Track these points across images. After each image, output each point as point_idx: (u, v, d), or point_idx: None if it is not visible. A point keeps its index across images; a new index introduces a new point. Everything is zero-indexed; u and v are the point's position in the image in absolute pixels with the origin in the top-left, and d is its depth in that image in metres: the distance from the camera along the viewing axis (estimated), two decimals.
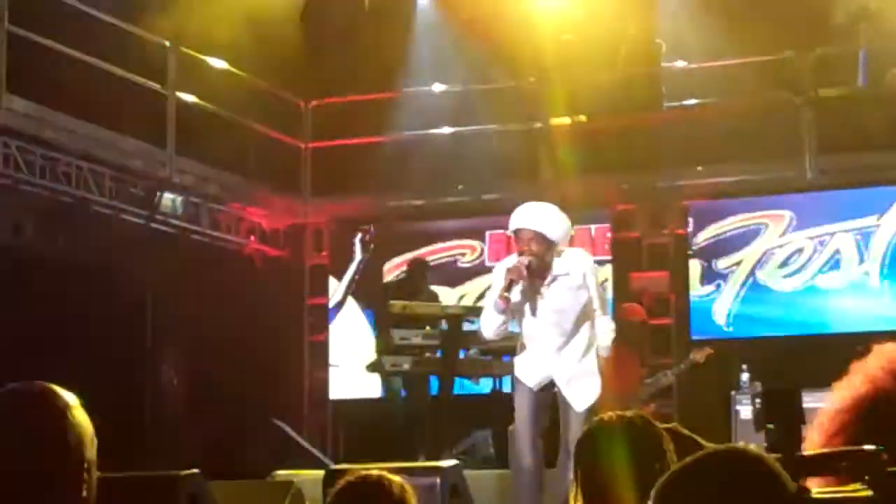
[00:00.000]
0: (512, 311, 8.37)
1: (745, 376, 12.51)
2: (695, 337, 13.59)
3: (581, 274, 8.33)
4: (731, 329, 13.86)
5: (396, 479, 4.17)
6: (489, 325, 8.49)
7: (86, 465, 2.73)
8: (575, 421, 8.23)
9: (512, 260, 8.30)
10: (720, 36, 14.89)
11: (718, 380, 13.04)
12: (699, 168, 14.35)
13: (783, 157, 13.95)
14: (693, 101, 15.07)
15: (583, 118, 14.97)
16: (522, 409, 8.35)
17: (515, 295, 8.27)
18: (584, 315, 8.37)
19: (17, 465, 2.67)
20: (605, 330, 8.46)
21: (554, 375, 8.34)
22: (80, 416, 2.76)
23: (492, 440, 11.57)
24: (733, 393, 12.40)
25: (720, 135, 14.74)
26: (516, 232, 8.30)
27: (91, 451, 2.75)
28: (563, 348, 8.34)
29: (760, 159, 13.97)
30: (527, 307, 8.36)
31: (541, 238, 8.19)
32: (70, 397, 2.77)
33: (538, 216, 8.30)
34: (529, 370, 8.44)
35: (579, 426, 8.07)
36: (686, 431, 4.39)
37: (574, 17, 15.04)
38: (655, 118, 14.77)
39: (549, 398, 8.45)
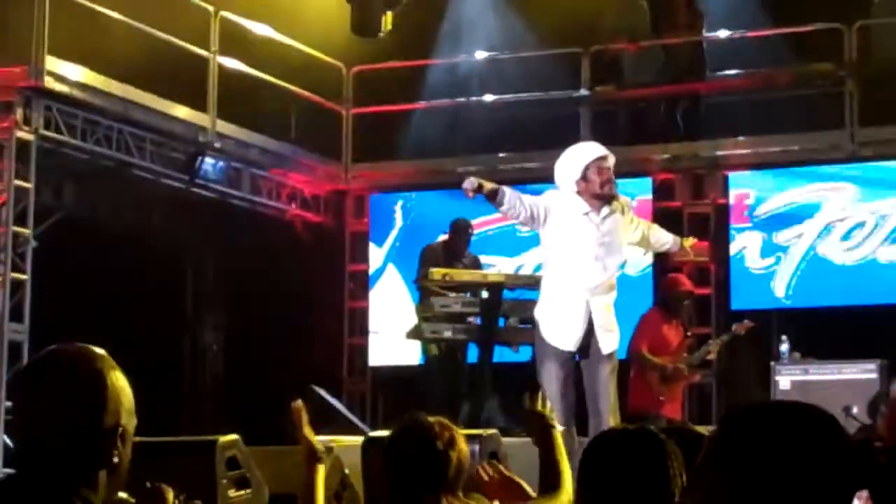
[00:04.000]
0: (556, 241, 8.58)
1: (784, 347, 12.45)
2: (736, 308, 13.49)
3: (631, 213, 8.91)
4: (789, 302, 13.76)
5: (447, 424, 4.20)
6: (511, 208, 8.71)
7: (121, 431, 2.69)
8: (599, 371, 8.38)
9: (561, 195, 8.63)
10: (760, 6, 14.83)
11: (758, 351, 12.98)
12: (740, 138, 14.28)
13: (825, 128, 13.88)
14: (735, 71, 15.00)
15: (625, 86, 14.92)
16: (552, 382, 8.25)
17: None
18: (623, 257, 8.95)
19: (50, 423, 2.65)
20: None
21: (594, 314, 8.44)
22: (119, 379, 2.72)
23: (500, 409, 11.51)
24: (773, 363, 12.34)
25: (762, 105, 14.68)
26: (603, 159, 8.63)
27: (128, 417, 2.71)
28: (606, 288, 8.55)
29: (802, 130, 13.90)
30: (577, 231, 8.52)
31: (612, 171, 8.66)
32: (109, 360, 2.75)
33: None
34: (565, 325, 8.44)
35: (606, 380, 8.23)
36: (695, 429, 4.37)
37: None
38: (698, 87, 14.69)
39: (575, 364, 8.49)
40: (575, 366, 8.48)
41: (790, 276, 13.79)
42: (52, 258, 11.70)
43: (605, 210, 8.55)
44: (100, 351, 2.75)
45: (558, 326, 8.46)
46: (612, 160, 8.66)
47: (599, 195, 8.52)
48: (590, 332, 8.39)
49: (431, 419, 4.30)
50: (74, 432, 2.65)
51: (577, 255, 8.49)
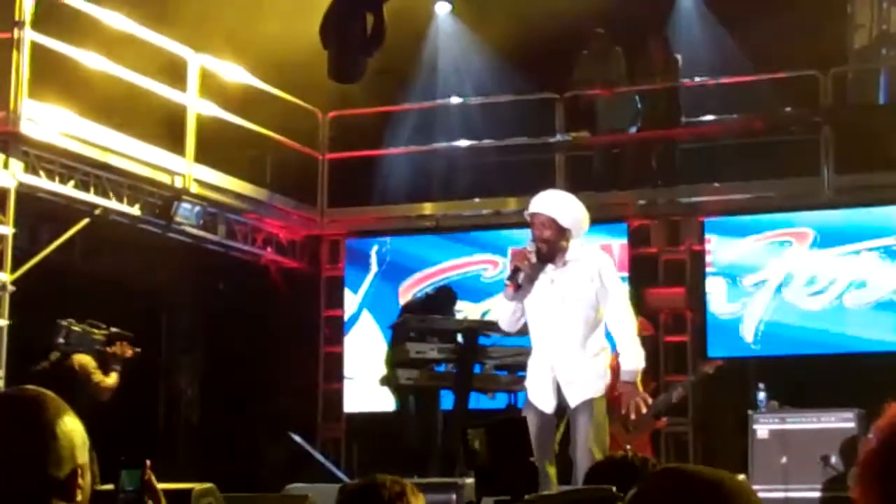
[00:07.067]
0: (521, 299, 8.30)
1: (761, 395, 12.43)
2: (712, 355, 13.53)
3: (596, 268, 8.23)
4: (758, 347, 13.79)
5: (401, 481, 4.29)
6: (502, 315, 8.50)
7: (79, 470, 2.74)
8: (577, 422, 8.16)
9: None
10: (737, 52, 14.94)
11: (735, 399, 12.99)
12: (716, 184, 14.35)
13: (801, 175, 13.94)
14: (711, 118, 15.08)
15: (600, 132, 14.97)
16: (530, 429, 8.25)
17: (525, 283, 8.22)
18: (593, 312, 8.21)
19: (8, 470, 2.67)
20: (632, 355, 8.32)
21: (556, 371, 8.22)
22: (71, 421, 2.76)
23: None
24: (750, 412, 12.32)
25: (738, 151, 14.76)
26: (531, 216, 8.27)
27: (83, 455, 2.76)
28: (567, 343, 8.19)
29: (778, 176, 13.97)
30: (535, 293, 8.28)
31: (553, 223, 8.16)
32: (61, 403, 2.78)
33: (552, 201, 8.30)
34: (537, 389, 8.34)
35: (582, 429, 8.05)
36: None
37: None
38: (673, 133, 14.76)
39: (558, 420, 8.37)
40: (559, 417, 8.39)
41: (757, 322, 13.82)
42: (26, 301, 11.65)
43: (560, 262, 8.23)
44: (49, 396, 2.78)
45: (532, 386, 8.40)
46: (539, 216, 8.19)
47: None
48: (558, 389, 8.28)
49: (387, 476, 4.42)
50: (33, 477, 2.67)
51: (535, 315, 8.34)
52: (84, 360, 10.38)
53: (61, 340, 10.33)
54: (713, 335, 13.90)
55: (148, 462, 3.23)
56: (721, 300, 13.96)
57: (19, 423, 2.72)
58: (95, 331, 10.52)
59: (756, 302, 13.83)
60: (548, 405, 8.23)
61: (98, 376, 10.34)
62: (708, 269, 14.04)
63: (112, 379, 10.41)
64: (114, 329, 10.62)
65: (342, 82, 13.98)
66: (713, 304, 13.97)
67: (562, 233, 8.21)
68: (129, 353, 10.55)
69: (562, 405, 8.22)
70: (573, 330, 8.21)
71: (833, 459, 11.45)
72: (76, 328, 10.43)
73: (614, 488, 4.02)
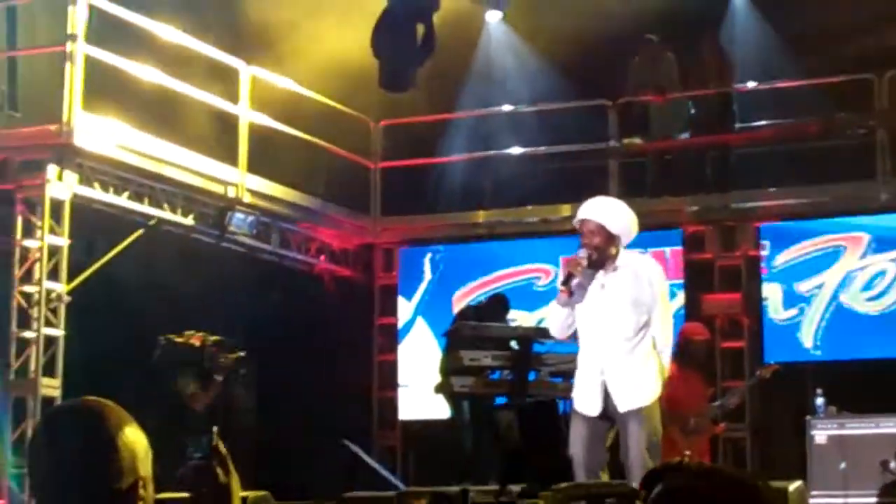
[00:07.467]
0: (574, 306, 8.27)
1: (819, 400, 12.33)
2: (770, 360, 13.44)
3: (646, 275, 8.23)
4: (818, 353, 13.70)
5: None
6: (553, 321, 8.45)
7: (141, 482, 2.73)
8: (628, 428, 8.12)
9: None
10: (791, 55, 14.85)
11: (793, 404, 12.90)
12: (771, 189, 14.25)
13: (856, 179, 13.84)
14: (765, 122, 14.99)
15: (653, 138, 14.92)
16: (576, 441, 8.20)
17: (576, 289, 8.19)
18: (644, 317, 8.18)
19: (71, 483, 2.67)
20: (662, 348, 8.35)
21: (605, 376, 8.19)
22: (133, 432, 2.76)
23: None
24: (808, 418, 12.23)
25: (791, 155, 14.65)
26: (580, 223, 8.24)
27: (146, 466, 2.75)
28: (617, 347, 8.14)
29: (833, 180, 13.87)
30: (586, 300, 8.26)
31: (603, 230, 8.14)
32: (123, 414, 2.77)
33: (601, 208, 8.28)
34: (583, 395, 8.30)
35: (635, 435, 8.00)
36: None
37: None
38: (727, 138, 14.67)
39: (607, 427, 8.32)
40: (608, 425, 8.34)
41: (815, 326, 13.74)
42: (83, 312, 11.72)
43: (611, 267, 8.21)
44: (110, 407, 2.76)
45: (579, 391, 8.37)
46: (588, 223, 8.14)
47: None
48: (607, 395, 8.23)
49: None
50: (96, 489, 2.66)
51: (586, 319, 8.29)
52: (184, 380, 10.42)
53: (160, 354, 10.36)
54: (770, 340, 13.82)
55: (215, 429, 3.23)
56: (778, 305, 13.88)
57: (81, 435, 2.72)
58: (195, 342, 10.53)
59: (814, 307, 13.75)
60: (594, 409, 8.18)
61: (193, 388, 10.36)
62: (764, 275, 13.97)
63: (211, 391, 10.42)
64: (214, 337, 10.64)
65: (393, 91, 14.03)
66: (770, 309, 13.90)
67: (611, 239, 8.18)
68: (231, 359, 10.54)
69: (609, 410, 8.18)
70: (623, 335, 8.17)
71: (892, 464, 11.34)
72: (176, 340, 10.46)
73: None
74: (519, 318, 13.80)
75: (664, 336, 8.31)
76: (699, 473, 2.35)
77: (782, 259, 13.94)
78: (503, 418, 10.86)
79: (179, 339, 10.42)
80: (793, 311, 13.83)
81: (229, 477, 3.31)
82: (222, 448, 3.28)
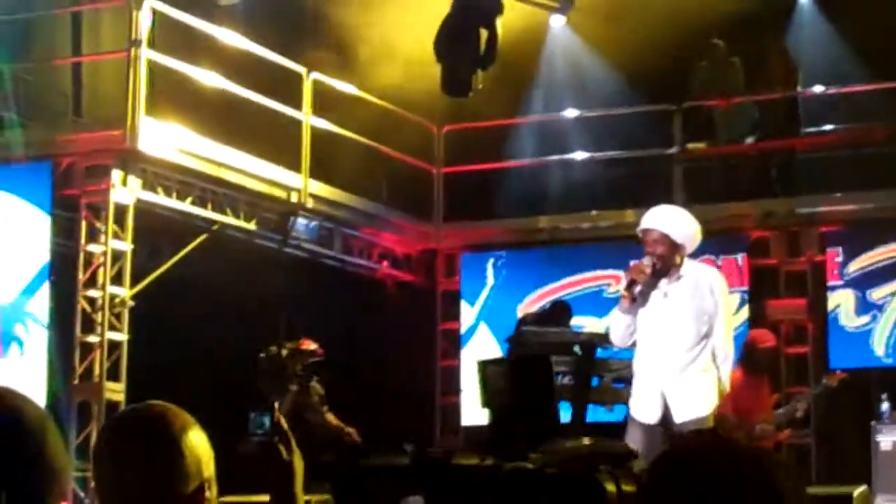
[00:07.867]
0: (636, 313, 8.21)
1: (885, 406, 12.21)
2: (836, 366, 13.30)
3: (708, 285, 8.17)
4: (890, 360, 13.56)
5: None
6: (615, 329, 8.38)
7: (206, 484, 2.72)
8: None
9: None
10: (856, 59, 14.72)
11: (858, 410, 12.77)
12: (837, 194, 14.11)
13: None
14: (830, 127, 14.86)
15: (718, 143, 14.82)
16: (637, 447, 8.14)
17: (638, 296, 8.13)
18: (705, 327, 8.10)
19: (136, 487, 2.66)
20: (721, 375, 8.25)
21: (664, 385, 8.12)
22: (197, 436, 2.75)
23: None
24: (873, 423, 12.11)
25: (858, 160, 14.51)
26: (644, 233, 8.19)
27: (209, 468, 2.74)
28: (678, 357, 8.08)
29: None
30: (648, 308, 8.19)
31: (666, 239, 8.08)
32: (187, 417, 2.76)
33: (665, 217, 8.21)
34: (641, 402, 8.23)
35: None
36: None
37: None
38: (792, 143, 14.56)
39: (663, 434, 8.24)
40: (665, 432, 8.27)
41: (889, 333, 13.60)
42: (148, 316, 11.79)
43: (674, 276, 8.14)
44: (174, 411, 2.75)
45: (636, 399, 8.31)
46: (652, 232, 8.08)
47: None
48: (665, 402, 8.17)
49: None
50: (160, 492, 2.66)
51: (647, 327, 8.22)
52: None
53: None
54: (840, 347, 13.68)
55: (276, 404, 3.21)
56: (850, 312, 13.75)
57: (145, 440, 2.72)
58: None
59: (887, 314, 13.61)
60: (652, 417, 8.12)
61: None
62: (835, 282, 13.83)
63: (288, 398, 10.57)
64: (289, 345, 10.73)
65: (456, 96, 14.00)
66: (842, 315, 13.76)
67: (675, 248, 8.12)
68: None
69: (666, 418, 8.11)
70: (684, 344, 8.11)
71: None
72: (284, 350, 10.57)
73: None
74: (588, 324, 13.75)
75: (725, 347, 8.25)
76: (704, 441, 2.31)
77: (855, 266, 13.81)
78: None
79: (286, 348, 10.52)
80: (865, 318, 13.70)
81: (292, 455, 3.29)
82: (284, 424, 3.26)
